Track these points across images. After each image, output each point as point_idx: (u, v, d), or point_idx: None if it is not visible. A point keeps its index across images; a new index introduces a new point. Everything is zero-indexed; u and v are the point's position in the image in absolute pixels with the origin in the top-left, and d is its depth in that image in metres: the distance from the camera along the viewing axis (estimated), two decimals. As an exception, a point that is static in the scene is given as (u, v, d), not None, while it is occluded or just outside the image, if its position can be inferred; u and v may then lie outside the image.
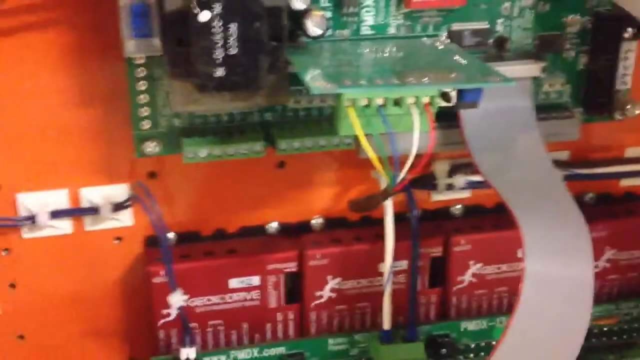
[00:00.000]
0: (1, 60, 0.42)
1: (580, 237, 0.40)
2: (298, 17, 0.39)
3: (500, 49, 0.44)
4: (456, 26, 0.44)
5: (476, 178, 0.49)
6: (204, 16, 0.36)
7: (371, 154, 0.35)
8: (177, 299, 0.44)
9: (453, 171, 0.49)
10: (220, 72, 0.37)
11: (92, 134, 0.44)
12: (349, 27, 0.42)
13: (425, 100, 0.35)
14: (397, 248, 0.47)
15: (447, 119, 0.44)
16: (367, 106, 0.35)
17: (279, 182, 0.48)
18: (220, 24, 0.36)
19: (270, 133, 0.44)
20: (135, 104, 0.42)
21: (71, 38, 0.42)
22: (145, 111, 0.42)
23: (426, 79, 0.35)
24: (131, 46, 0.39)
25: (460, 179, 0.49)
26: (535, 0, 0.44)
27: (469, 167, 0.49)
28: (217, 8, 0.36)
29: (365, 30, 0.43)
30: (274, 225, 0.50)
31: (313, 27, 0.39)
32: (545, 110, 0.46)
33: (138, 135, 0.43)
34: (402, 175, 0.36)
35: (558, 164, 0.50)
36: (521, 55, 0.45)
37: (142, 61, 0.41)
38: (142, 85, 0.41)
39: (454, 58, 0.39)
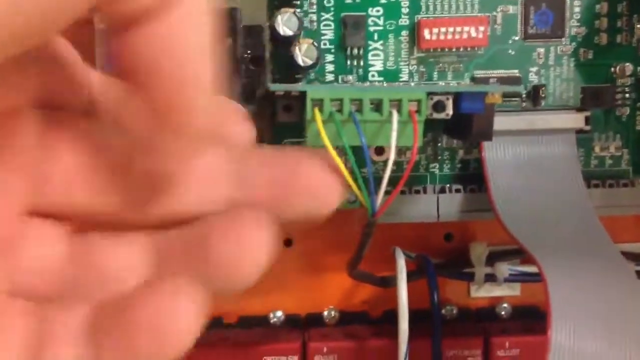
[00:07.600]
0: None
1: (628, 309, 0.31)
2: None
3: (535, 100, 0.38)
4: (480, 73, 0.38)
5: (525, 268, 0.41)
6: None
7: (343, 168, 0.29)
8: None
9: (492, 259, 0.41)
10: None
11: None
12: (354, 72, 0.38)
13: (412, 106, 0.29)
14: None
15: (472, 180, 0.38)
16: (339, 111, 0.29)
17: (285, 262, 0.42)
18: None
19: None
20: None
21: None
22: None
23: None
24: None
25: (503, 268, 0.41)
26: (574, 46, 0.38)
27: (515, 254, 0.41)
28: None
29: (373, 77, 0.38)
30: (278, 315, 0.42)
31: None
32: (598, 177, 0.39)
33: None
34: (379, 197, 0.29)
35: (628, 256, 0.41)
36: (562, 108, 0.38)
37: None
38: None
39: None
